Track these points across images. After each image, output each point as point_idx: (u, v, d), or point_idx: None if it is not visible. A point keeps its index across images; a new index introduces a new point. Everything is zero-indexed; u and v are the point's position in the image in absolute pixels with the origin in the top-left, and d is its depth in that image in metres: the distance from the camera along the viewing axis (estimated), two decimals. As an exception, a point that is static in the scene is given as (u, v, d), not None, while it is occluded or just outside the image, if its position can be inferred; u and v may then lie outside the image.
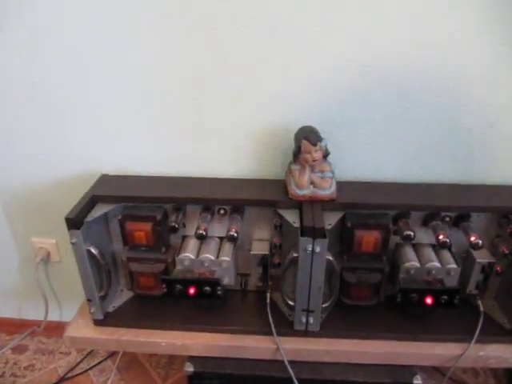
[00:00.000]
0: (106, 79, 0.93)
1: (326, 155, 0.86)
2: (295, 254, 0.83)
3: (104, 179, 0.98)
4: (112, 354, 1.24)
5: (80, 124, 0.99)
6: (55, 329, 1.29)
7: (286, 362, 0.89)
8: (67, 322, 1.02)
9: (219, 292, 0.88)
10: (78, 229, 0.83)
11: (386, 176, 0.98)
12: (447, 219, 0.90)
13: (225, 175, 0.99)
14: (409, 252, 0.93)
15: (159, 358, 1.24)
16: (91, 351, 1.25)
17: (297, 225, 0.83)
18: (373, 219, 0.88)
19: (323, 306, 0.89)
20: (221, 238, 0.97)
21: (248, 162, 0.98)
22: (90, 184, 0.95)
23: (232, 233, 0.84)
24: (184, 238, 0.97)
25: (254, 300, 1.00)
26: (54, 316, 1.27)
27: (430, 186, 0.95)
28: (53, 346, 1.28)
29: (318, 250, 0.80)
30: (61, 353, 1.26)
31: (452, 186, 0.95)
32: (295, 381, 0.88)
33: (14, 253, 1.20)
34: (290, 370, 0.88)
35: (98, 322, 0.95)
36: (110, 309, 0.98)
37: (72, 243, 0.84)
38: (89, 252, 0.86)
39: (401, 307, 0.93)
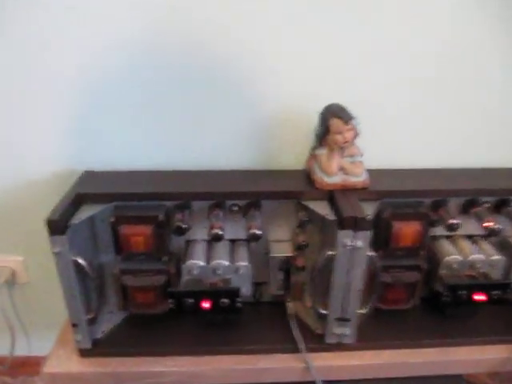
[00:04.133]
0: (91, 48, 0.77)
1: (355, 137, 0.75)
2: (331, 252, 0.70)
3: (88, 176, 0.81)
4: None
5: (52, 112, 0.82)
6: (22, 365, 1.09)
7: (319, 382, 0.75)
8: (43, 356, 0.82)
9: (238, 304, 0.73)
10: (63, 234, 0.66)
11: (413, 162, 0.87)
12: (487, 205, 0.81)
13: (231, 167, 0.85)
14: (446, 245, 0.82)
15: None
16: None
17: (331, 217, 0.70)
18: (411, 208, 0.77)
19: (360, 312, 0.76)
20: (232, 241, 0.82)
21: (258, 151, 0.85)
22: (67, 186, 0.77)
23: (254, 231, 0.70)
24: (188, 243, 0.81)
25: (271, 312, 0.85)
26: (20, 350, 1.06)
27: (462, 172, 0.86)
28: (20, 387, 1.07)
29: (359, 244, 0.68)
30: (31, 394, 1.05)
31: (484, 171, 0.87)
32: (332, 404, 0.74)
33: (-32, 275, 0.98)
34: (325, 392, 0.75)
35: (85, 352, 0.77)
36: (99, 334, 0.80)
37: (55, 253, 0.67)
38: (75, 264, 0.69)
39: (441, 309, 0.83)
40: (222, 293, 0.73)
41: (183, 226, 0.72)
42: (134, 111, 0.82)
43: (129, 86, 0.80)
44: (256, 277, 0.83)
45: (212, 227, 0.71)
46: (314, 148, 0.78)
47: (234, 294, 0.73)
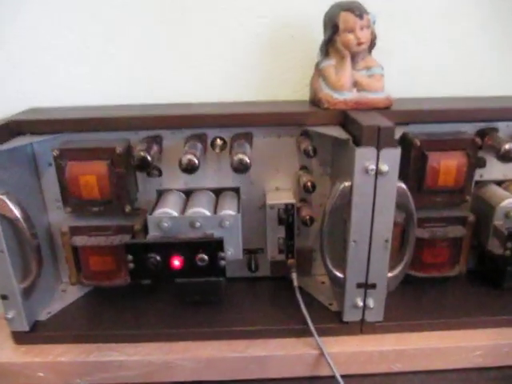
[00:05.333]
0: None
1: (372, 42, 0.57)
2: (346, 183, 0.51)
3: (32, 111, 0.64)
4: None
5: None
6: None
7: (338, 376, 0.54)
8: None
9: (222, 262, 0.54)
10: (-21, 159, 0.49)
11: (439, 91, 0.69)
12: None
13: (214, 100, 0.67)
14: (497, 189, 0.63)
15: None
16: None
17: (345, 136, 0.52)
18: (451, 136, 0.58)
19: (389, 275, 0.56)
20: (217, 192, 0.63)
21: (246, 80, 0.67)
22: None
23: (241, 156, 0.52)
24: (160, 193, 0.63)
25: (270, 287, 0.66)
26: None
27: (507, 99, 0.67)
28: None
29: (385, 168, 0.49)
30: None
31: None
32: (355, 405, 0.53)
33: None
34: (345, 388, 0.53)
35: (20, 337, 0.58)
36: (43, 316, 0.61)
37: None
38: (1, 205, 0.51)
39: (497, 277, 0.62)
40: (200, 245, 0.53)
41: (147, 156, 0.54)
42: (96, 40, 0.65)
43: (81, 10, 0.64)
44: (250, 241, 0.64)
45: (186, 153, 0.53)
46: (319, 63, 0.60)
47: (215, 247, 0.53)
